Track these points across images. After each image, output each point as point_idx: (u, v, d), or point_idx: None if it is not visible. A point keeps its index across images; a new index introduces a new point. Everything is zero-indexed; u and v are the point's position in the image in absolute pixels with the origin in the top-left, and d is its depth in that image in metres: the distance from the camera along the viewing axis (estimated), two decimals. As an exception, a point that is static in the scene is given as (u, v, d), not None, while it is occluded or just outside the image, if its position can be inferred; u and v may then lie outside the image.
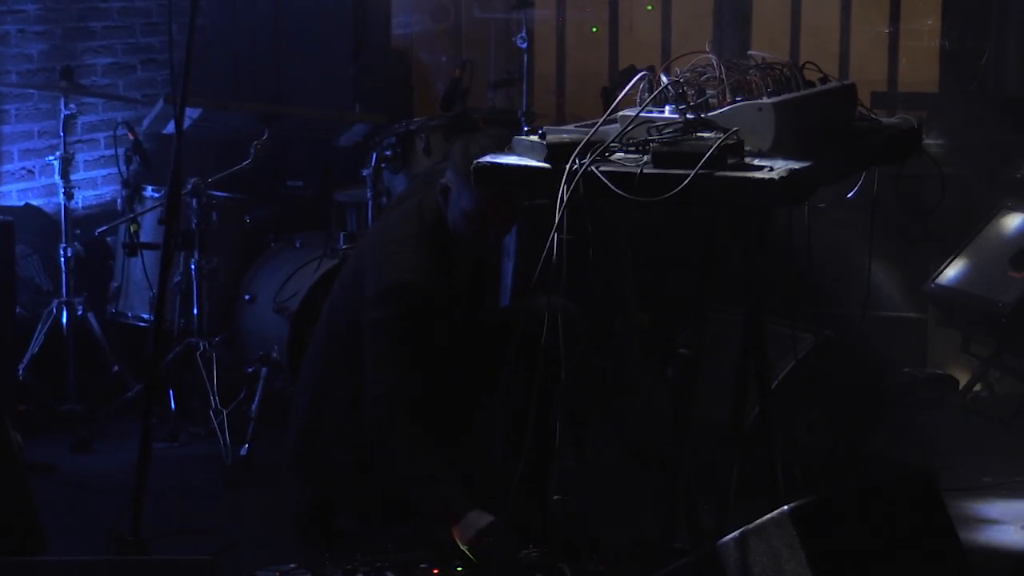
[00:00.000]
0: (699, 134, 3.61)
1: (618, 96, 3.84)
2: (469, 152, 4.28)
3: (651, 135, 3.62)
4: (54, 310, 6.19)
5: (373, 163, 6.32)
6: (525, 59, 7.06)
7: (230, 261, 6.39)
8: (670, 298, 5.56)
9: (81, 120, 6.92)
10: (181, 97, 4.02)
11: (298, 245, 6.40)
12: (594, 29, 8.76)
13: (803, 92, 3.90)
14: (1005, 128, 7.32)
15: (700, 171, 3.43)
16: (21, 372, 6.05)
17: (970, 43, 7.57)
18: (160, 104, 6.67)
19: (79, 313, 6.23)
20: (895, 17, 7.85)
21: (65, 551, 4.40)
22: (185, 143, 4.07)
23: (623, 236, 5.54)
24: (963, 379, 6.53)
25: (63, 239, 6.20)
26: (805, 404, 5.32)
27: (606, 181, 3.51)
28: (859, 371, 5.58)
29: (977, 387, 6.49)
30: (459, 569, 4.11)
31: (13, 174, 6.76)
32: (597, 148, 3.60)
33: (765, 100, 3.72)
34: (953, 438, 6.04)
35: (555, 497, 3.92)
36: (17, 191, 6.78)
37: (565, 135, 3.73)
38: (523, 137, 3.79)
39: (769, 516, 3.57)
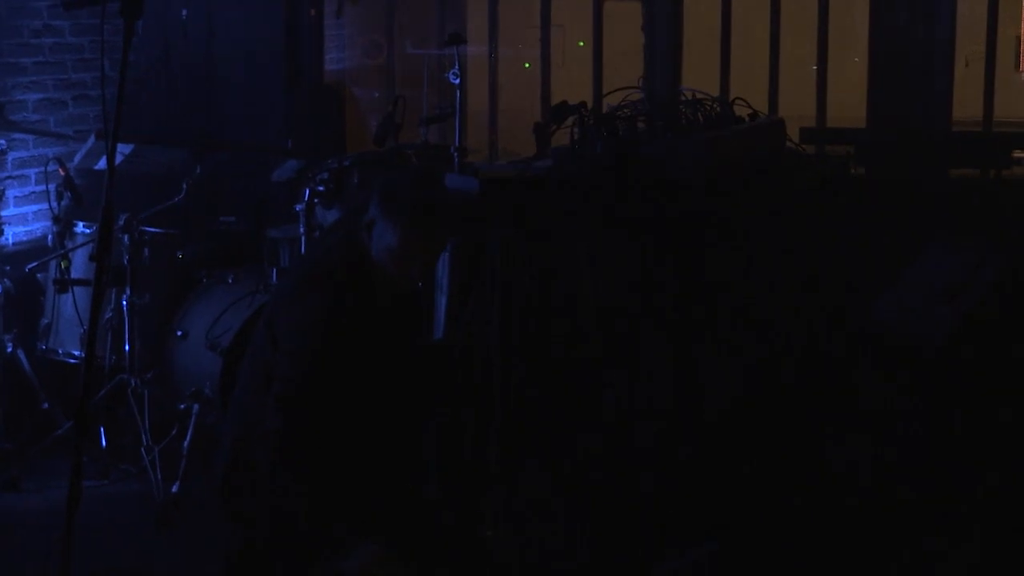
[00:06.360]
0: (630, 168, 3.63)
1: (550, 132, 3.86)
2: (393, 188, 4.26)
3: (582, 169, 3.64)
4: (-17, 347, 6.13)
5: (306, 198, 6.29)
6: (458, 95, 7.07)
7: (162, 297, 6.35)
8: (605, 330, 5.56)
9: (12, 156, 6.86)
10: (113, 133, 3.99)
11: (231, 281, 6.37)
12: (527, 65, 8.80)
13: (733, 127, 3.93)
14: (931, 163, 7.39)
15: (631, 204, 3.44)
16: (-50, 410, 5.99)
17: (897, 79, 7.66)
18: (92, 140, 6.63)
19: (8, 350, 6.17)
20: (823, 54, 7.92)
21: (-7, 591, 4.35)
22: (117, 179, 4.03)
23: (584, 268, 5.55)
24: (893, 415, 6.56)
25: (-8, 275, 6.15)
26: (739, 438, 5.32)
27: (538, 215, 3.52)
28: (789, 404, 5.60)
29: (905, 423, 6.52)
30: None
31: (-58, 210, 6.70)
32: (529, 183, 3.61)
33: (696, 135, 3.74)
34: (882, 474, 6.07)
35: (488, 532, 3.92)
36: (-54, 227, 6.71)
37: (498, 170, 3.73)
38: (457, 173, 3.79)
39: (702, 549, 3.58)
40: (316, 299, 4.32)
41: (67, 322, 6.30)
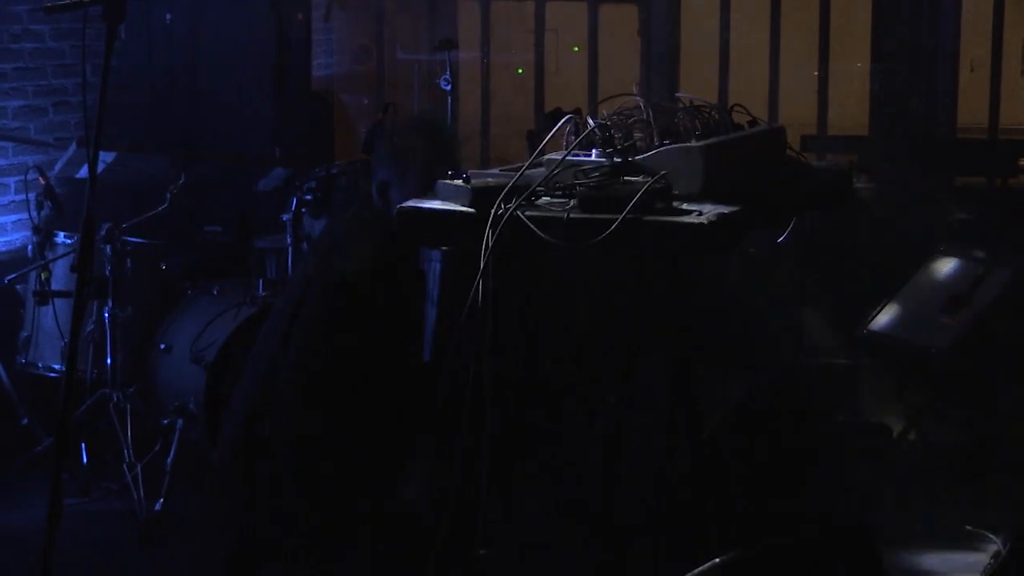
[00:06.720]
0: (627, 178, 3.62)
1: (544, 139, 3.85)
2: (398, 143, 4.35)
3: (578, 179, 3.63)
4: (-39, 361, 6.13)
5: (293, 208, 6.28)
6: (449, 101, 7.07)
7: (145, 309, 6.34)
8: (600, 346, 5.56)
9: (-10, 164, 6.87)
10: (95, 140, 3.98)
11: (216, 293, 6.36)
12: (520, 71, 8.81)
13: (732, 135, 3.92)
14: (936, 171, 7.40)
15: (628, 216, 3.44)
16: (-73, 425, 5.98)
17: (900, 86, 7.67)
18: (73, 148, 6.62)
19: (-13, 364, 6.16)
20: (824, 59, 7.93)
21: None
22: (99, 188, 4.04)
23: (549, 282, 5.55)
24: (897, 427, 6.56)
25: (-30, 287, 6.14)
26: (737, 455, 5.32)
27: (532, 226, 3.51)
28: (791, 420, 5.60)
29: (911, 436, 6.52)
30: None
31: (-80, 220, 6.71)
32: (523, 192, 3.61)
33: (693, 143, 3.74)
34: (887, 488, 6.06)
35: (480, 551, 3.91)
36: (-76, 238, 6.72)
37: (490, 179, 3.73)
38: (447, 181, 3.78)
39: (701, 569, 3.57)
40: (348, 258, 4.36)
41: (47, 335, 6.29)
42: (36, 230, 6.32)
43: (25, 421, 6.22)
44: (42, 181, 6.28)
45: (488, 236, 3.53)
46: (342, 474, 4.31)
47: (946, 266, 6.66)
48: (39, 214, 6.32)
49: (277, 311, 4.64)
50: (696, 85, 7.96)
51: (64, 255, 6.16)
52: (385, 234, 4.47)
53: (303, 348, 4.36)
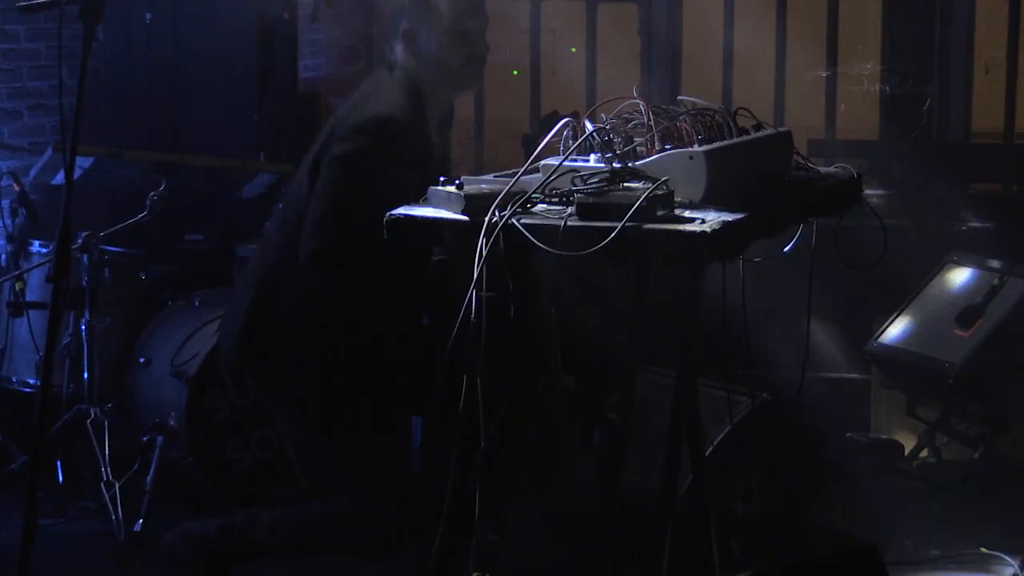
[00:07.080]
0: (626, 184, 3.62)
1: (540, 144, 3.85)
2: None
3: (576, 185, 3.63)
4: (-69, 375, 6.12)
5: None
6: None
7: (124, 321, 6.33)
8: (597, 359, 5.55)
9: (-38, 170, 6.86)
10: (71, 145, 3.98)
11: (197, 304, 6.36)
12: (515, 72, 8.80)
13: (736, 140, 3.92)
14: (949, 177, 7.40)
15: (627, 223, 3.43)
16: None
17: (912, 88, 7.67)
18: (49, 153, 6.62)
19: (-42, 379, 6.15)
20: (833, 61, 7.94)
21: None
22: (76, 194, 4.03)
23: (545, 292, 5.55)
24: (908, 444, 6.56)
25: (-58, 298, 6.13)
26: (741, 472, 5.32)
27: (528, 235, 3.51)
28: (798, 437, 5.60)
29: (923, 453, 6.52)
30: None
31: None
32: (518, 199, 3.60)
33: (696, 148, 3.74)
34: (898, 507, 6.07)
35: (474, 573, 3.91)
36: None
37: (484, 185, 3.73)
38: (440, 188, 3.78)
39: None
40: (377, 102, 4.44)
41: (21, 348, 6.28)
42: (10, 239, 6.32)
43: (-1, 438, 6.22)
44: (16, 187, 6.28)
45: (482, 245, 3.53)
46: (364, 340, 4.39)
47: (959, 276, 6.66)
48: (13, 222, 6.31)
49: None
50: (699, 87, 7.97)
51: (39, 265, 6.16)
52: (411, 86, 4.50)
53: (330, 182, 4.38)
